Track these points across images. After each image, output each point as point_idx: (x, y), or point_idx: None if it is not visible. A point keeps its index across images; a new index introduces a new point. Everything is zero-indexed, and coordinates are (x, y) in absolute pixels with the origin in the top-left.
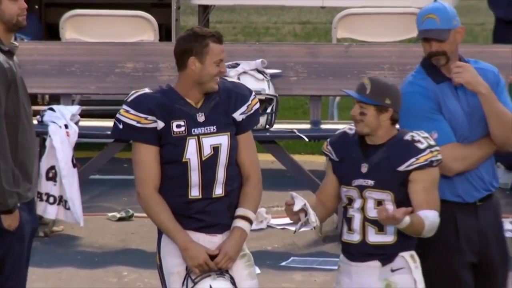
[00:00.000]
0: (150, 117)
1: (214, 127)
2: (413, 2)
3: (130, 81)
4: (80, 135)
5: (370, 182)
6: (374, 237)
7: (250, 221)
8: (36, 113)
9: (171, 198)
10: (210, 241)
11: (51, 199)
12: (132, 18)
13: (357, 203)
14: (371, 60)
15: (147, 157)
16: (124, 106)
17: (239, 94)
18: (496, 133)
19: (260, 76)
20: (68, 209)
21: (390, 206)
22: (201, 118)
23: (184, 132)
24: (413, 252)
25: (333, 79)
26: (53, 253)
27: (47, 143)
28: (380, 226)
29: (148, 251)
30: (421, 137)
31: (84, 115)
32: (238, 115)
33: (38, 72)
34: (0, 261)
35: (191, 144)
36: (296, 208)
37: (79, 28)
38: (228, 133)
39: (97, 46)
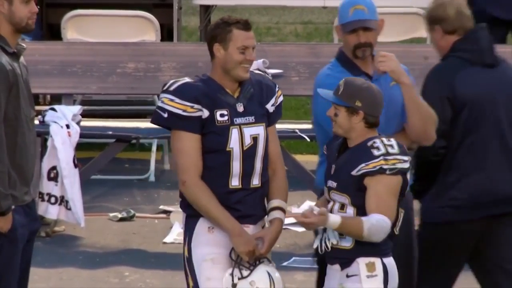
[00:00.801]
0: (196, 106)
1: (253, 117)
2: (415, 2)
3: (132, 81)
4: (82, 135)
5: (334, 184)
6: (339, 241)
7: (285, 212)
8: (37, 113)
9: (211, 187)
10: None
11: (53, 199)
12: (133, 18)
13: (329, 205)
14: None
15: (191, 145)
16: (167, 95)
17: (268, 85)
18: (415, 124)
19: None
20: (69, 209)
21: (316, 210)
22: (240, 108)
23: (227, 121)
24: (375, 260)
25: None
26: (54, 253)
27: (49, 143)
28: None
29: (150, 251)
30: (382, 144)
31: (85, 115)
32: (270, 106)
33: (40, 72)
34: None
35: (234, 133)
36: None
37: (81, 28)
38: (264, 124)
39: (99, 46)
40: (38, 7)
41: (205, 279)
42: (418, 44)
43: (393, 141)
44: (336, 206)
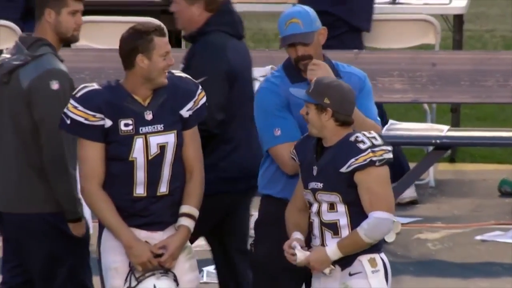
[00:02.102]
0: (98, 115)
1: (162, 125)
2: (423, 9)
3: None
4: None
5: (320, 185)
6: (331, 241)
7: (194, 219)
8: None
9: (115, 195)
10: (150, 238)
11: None
12: None
13: (314, 207)
14: (380, 67)
15: (92, 154)
16: (72, 102)
17: (186, 89)
18: None
19: None
20: None
21: (298, 253)
22: (148, 116)
23: (131, 131)
24: (375, 255)
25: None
26: None
27: None
28: (335, 230)
29: None
30: (366, 137)
31: None
32: (185, 112)
33: None
34: (72, 268)
35: (138, 143)
36: (298, 261)
37: (89, 34)
38: (175, 131)
39: (107, 52)
40: None
41: (109, 287)
42: (426, 51)
43: (374, 133)
44: (324, 207)
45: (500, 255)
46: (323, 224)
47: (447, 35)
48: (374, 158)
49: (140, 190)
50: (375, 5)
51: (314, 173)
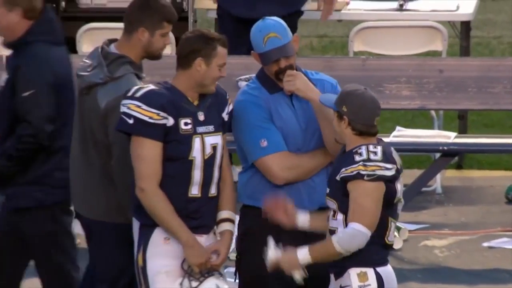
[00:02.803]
0: (162, 113)
1: (212, 126)
2: (430, 16)
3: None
4: None
5: (327, 190)
6: None
7: (234, 224)
8: None
9: (170, 195)
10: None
11: None
12: None
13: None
14: (388, 74)
15: (153, 153)
16: (133, 101)
17: (222, 94)
18: (329, 141)
19: None
20: None
21: (270, 252)
22: (201, 117)
23: (190, 130)
24: (367, 270)
25: None
26: None
27: None
28: None
29: None
30: (366, 151)
31: None
32: (225, 115)
33: None
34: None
35: (197, 142)
36: (268, 260)
37: (96, 41)
38: (221, 133)
39: None
40: None
41: None
42: (433, 57)
43: (378, 149)
44: (331, 213)
45: (507, 262)
46: (329, 230)
47: (454, 42)
48: (363, 172)
49: (195, 190)
50: (383, 12)
51: (328, 178)
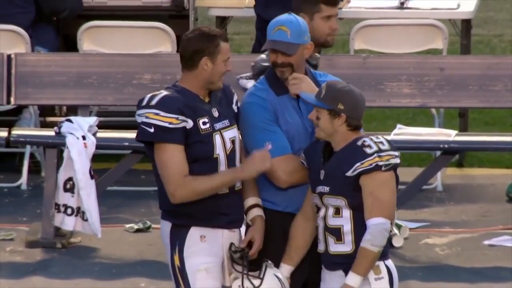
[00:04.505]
0: (180, 117)
1: (227, 120)
2: (431, 14)
3: (148, 93)
4: (98, 147)
5: (326, 189)
6: (334, 247)
7: (262, 208)
8: (53, 124)
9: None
10: (232, 238)
11: (69, 211)
12: (149, 29)
13: (321, 211)
14: (388, 72)
15: (178, 156)
16: (151, 110)
17: (226, 86)
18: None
19: None
20: (86, 220)
21: None
22: (215, 113)
23: (209, 128)
24: (379, 263)
25: None
26: (70, 265)
27: (65, 154)
28: (338, 235)
29: (166, 262)
30: (373, 142)
31: (101, 126)
32: (234, 106)
33: (56, 83)
34: None
35: (217, 139)
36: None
37: (97, 39)
38: (235, 125)
39: (115, 57)
40: (55, 18)
41: None
42: (434, 55)
43: (381, 138)
44: (330, 211)
45: (508, 260)
46: (326, 229)
47: (455, 40)
48: (380, 163)
49: None
50: (384, 10)
51: (321, 177)
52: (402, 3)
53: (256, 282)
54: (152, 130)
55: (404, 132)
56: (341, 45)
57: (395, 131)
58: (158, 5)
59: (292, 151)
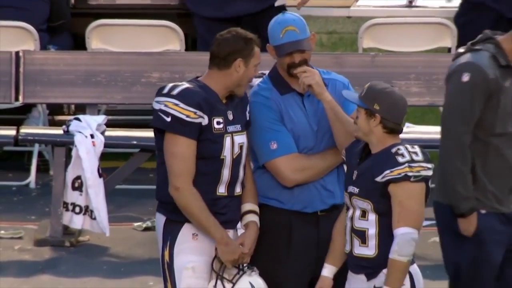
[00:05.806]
0: (198, 112)
1: (239, 125)
2: (440, 12)
3: (156, 91)
4: (106, 145)
5: (356, 190)
6: (358, 249)
7: (258, 215)
8: (62, 123)
9: (200, 193)
10: None
11: (77, 209)
12: (158, 27)
13: (350, 212)
14: (397, 70)
15: (188, 151)
16: (171, 99)
17: (245, 94)
18: (341, 141)
19: None
20: (94, 219)
21: None
22: (230, 116)
23: (222, 129)
24: None
25: (359, 89)
26: (79, 263)
27: (73, 153)
28: (363, 238)
29: None
30: (407, 151)
31: (110, 124)
32: (247, 114)
33: (64, 82)
34: (455, 266)
35: (227, 141)
36: None
37: (105, 38)
38: (246, 132)
39: (123, 56)
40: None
41: (185, 286)
42: (442, 54)
43: (417, 148)
44: (357, 213)
45: None
46: (353, 230)
47: None
48: (410, 174)
49: (222, 189)
50: (392, 9)
51: (354, 177)
52: (410, 2)
53: (228, 286)
54: (169, 119)
55: (413, 131)
56: (349, 43)
57: (404, 129)
58: (167, 4)
59: (297, 150)
